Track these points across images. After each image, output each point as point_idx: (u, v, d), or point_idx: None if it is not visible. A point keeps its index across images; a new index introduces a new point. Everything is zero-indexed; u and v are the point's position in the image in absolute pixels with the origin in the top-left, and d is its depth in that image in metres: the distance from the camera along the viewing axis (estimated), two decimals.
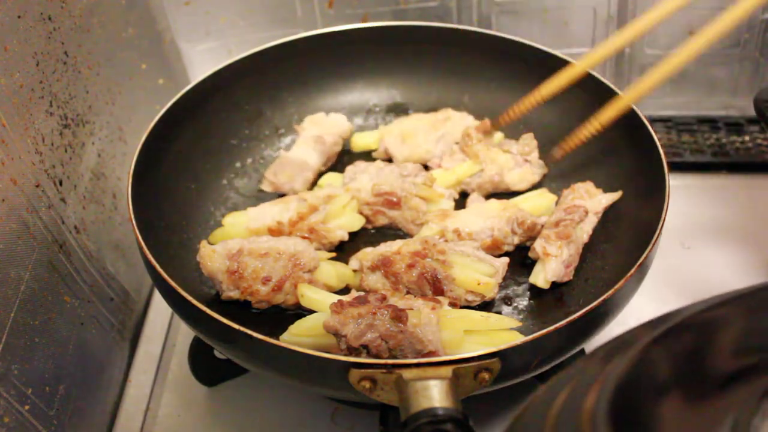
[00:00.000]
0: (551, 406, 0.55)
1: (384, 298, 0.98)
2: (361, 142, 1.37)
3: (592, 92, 1.25)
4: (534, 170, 1.27)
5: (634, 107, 1.18)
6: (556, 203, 1.21)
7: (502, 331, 0.98)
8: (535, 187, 1.27)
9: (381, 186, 1.19)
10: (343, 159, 1.37)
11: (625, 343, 0.58)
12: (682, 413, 0.53)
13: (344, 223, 1.19)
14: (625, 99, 1.14)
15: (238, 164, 1.35)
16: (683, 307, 0.61)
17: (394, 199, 1.19)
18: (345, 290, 1.10)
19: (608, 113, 1.15)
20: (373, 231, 1.23)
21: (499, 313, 1.09)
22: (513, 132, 1.34)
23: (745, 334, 0.60)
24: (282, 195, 1.27)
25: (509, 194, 1.26)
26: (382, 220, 1.22)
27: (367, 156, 1.36)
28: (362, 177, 1.23)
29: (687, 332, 0.58)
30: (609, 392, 0.52)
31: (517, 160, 1.27)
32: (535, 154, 1.28)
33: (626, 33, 1.16)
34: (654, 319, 0.61)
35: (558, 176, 1.30)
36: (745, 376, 0.54)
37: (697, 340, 0.59)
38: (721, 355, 0.58)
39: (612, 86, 1.23)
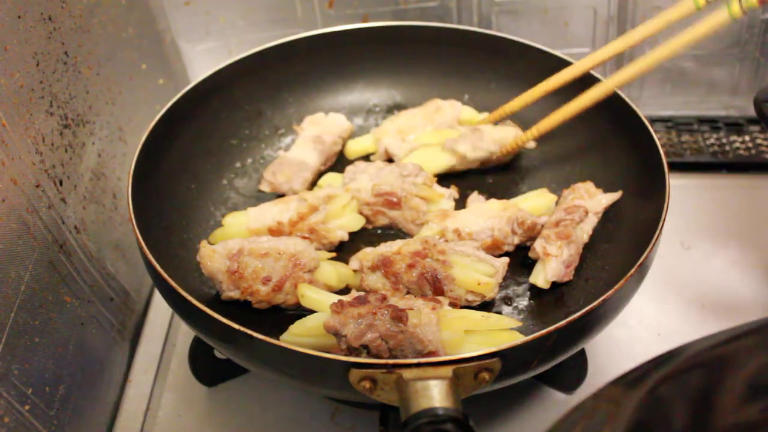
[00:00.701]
0: None
1: (384, 298, 0.98)
2: (356, 147, 1.37)
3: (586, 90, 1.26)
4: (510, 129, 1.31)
5: (634, 107, 1.18)
6: (556, 203, 1.21)
7: (502, 331, 0.98)
8: (535, 187, 1.27)
9: (381, 186, 1.19)
10: (342, 159, 1.37)
11: (636, 381, 0.57)
12: None
13: (344, 223, 1.19)
14: (607, 84, 1.15)
15: (238, 164, 1.35)
16: (692, 341, 0.60)
17: (394, 199, 1.19)
18: (345, 290, 1.10)
19: (589, 97, 1.15)
20: (373, 231, 1.23)
21: (500, 313, 1.09)
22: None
23: (760, 372, 0.58)
24: (281, 195, 1.27)
25: (509, 194, 1.26)
26: (382, 220, 1.22)
27: (366, 157, 1.36)
28: (362, 177, 1.23)
29: (697, 370, 0.57)
30: None
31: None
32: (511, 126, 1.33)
33: (628, 38, 1.16)
34: (664, 354, 0.59)
35: (558, 176, 1.30)
36: (762, 418, 0.53)
37: (708, 378, 0.57)
38: (734, 394, 0.57)
39: (601, 77, 1.23)
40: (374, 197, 1.19)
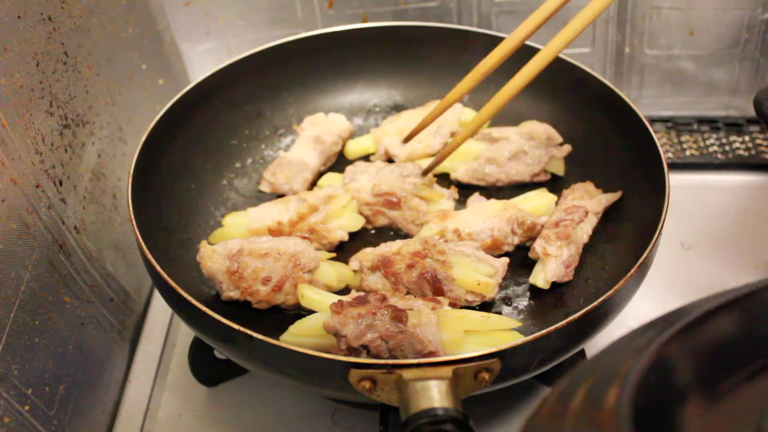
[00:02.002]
0: (570, 401, 0.54)
1: (384, 299, 0.98)
2: (356, 147, 1.37)
3: (586, 89, 1.26)
4: None
5: (634, 107, 1.18)
6: (556, 203, 1.21)
7: (502, 332, 0.98)
8: (536, 186, 1.27)
9: (381, 186, 1.19)
10: (342, 159, 1.37)
11: (643, 340, 0.57)
12: (706, 412, 0.52)
13: (344, 223, 1.19)
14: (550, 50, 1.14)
15: (238, 164, 1.35)
16: (697, 301, 0.60)
17: (394, 200, 1.19)
18: (345, 290, 1.10)
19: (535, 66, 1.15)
20: (373, 231, 1.23)
21: (499, 313, 1.09)
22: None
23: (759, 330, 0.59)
24: (281, 195, 1.27)
25: (510, 194, 1.26)
26: (382, 221, 1.22)
27: (366, 157, 1.36)
28: (362, 177, 1.23)
29: (704, 328, 0.58)
30: (630, 392, 0.51)
31: None
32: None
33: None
34: (665, 315, 0.60)
35: (558, 176, 1.29)
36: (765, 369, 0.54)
37: (715, 336, 0.58)
38: (739, 352, 0.57)
39: (601, 77, 1.23)
40: (374, 197, 1.19)
